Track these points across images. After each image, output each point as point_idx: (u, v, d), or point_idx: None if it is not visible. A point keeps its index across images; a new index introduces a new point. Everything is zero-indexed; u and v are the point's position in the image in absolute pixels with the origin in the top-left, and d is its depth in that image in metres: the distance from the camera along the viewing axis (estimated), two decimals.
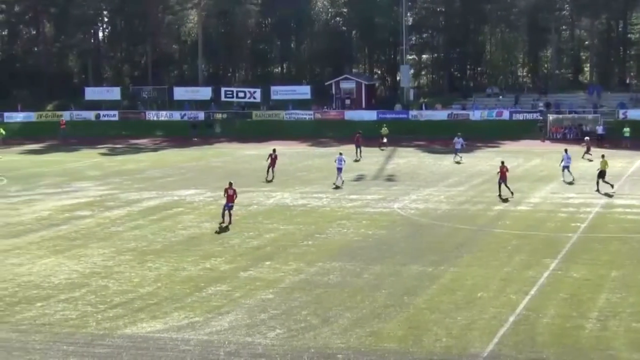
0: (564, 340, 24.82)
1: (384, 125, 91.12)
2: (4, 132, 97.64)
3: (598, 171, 55.22)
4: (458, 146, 73.93)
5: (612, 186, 53.94)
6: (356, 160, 73.04)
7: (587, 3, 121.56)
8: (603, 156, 57.48)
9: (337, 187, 57.62)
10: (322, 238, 40.51)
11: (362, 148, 76.79)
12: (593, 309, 27.73)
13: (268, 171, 62.18)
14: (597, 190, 53.94)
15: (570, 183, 57.56)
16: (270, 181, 60.81)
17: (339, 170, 59.35)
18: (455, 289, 30.56)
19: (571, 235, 40.00)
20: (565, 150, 59.90)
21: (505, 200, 51.17)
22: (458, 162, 71.26)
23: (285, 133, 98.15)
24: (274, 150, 63.47)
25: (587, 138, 72.15)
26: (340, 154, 60.98)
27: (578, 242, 38.46)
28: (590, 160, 67.77)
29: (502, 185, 52.49)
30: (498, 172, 53.07)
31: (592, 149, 72.47)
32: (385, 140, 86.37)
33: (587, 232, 40.81)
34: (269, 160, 62.29)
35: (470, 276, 32.33)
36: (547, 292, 29.93)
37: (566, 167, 59.00)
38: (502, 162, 54.04)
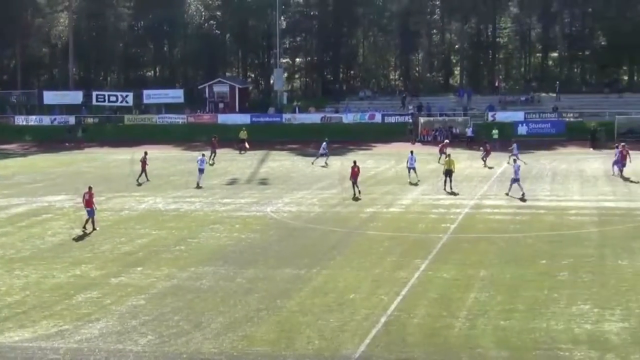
0: (434, 339, 25.15)
1: (243, 129, 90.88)
2: None
3: (444, 170, 56.87)
4: (322, 151, 74.18)
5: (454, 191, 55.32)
6: (211, 164, 72.18)
7: (456, 7, 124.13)
8: (449, 155, 59.43)
9: (199, 187, 58.56)
10: (194, 242, 40.21)
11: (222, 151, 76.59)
12: (462, 308, 28.17)
13: (140, 175, 61.82)
14: (444, 188, 55.75)
15: (415, 184, 58.54)
16: (141, 185, 60.30)
17: (201, 171, 60.40)
18: (328, 291, 30.67)
19: (441, 236, 40.61)
20: (411, 152, 61.26)
21: (356, 199, 52.52)
22: (323, 166, 71.54)
23: (158, 137, 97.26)
24: (146, 154, 63.17)
25: (487, 144, 73.04)
26: (203, 155, 62.77)
27: (448, 243, 39.06)
28: (490, 168, 68.68)
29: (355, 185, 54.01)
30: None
31: (462, 151, 73.71)
32: (247, 144, 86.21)
33: (457, 232, 41.49)
34: (141, 164, 62.07)
35: (342, 278, 32.50)
36: (418, 292, 30.30)
37: (411, 168, 60.15)
38: (355, 162, 55.44)
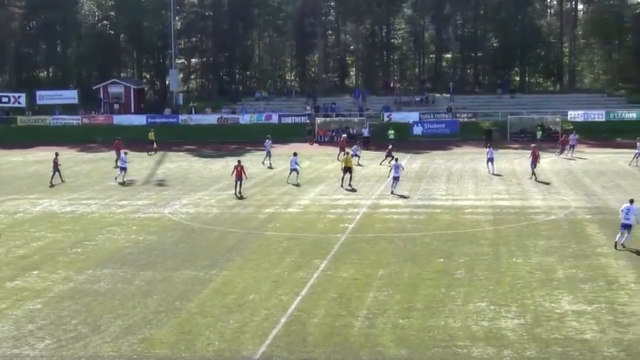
0: (334, 339, 25.26)
1: (151, 130, 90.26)
2: None
3: (342, 168, 57.96)
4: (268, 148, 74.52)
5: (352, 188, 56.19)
6: (115, 167, 71.32)
7: (351, 9, 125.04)
8: (347, 153, 60.47)
9: (123, 184, 60.46)
10: (91, 245, 39.66)
11: (133, 153, 75.64)
12: (361, 307, 28.35)
13: (53, 176, 61.64)
14: (342, 185, 56.93)
15: (297, 185, 58.93)
16: (53, 186, 59.86)
17: (123, 169, 62.33)
18: (227, 292, 30.58)
19: (340, 235, 40.81)
20: (294, 154, 61.82)
21: (241, 198, 53.27)
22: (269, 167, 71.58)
23: (52, 138, 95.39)
24: (57, 155, 63.27)
25: (390, 146, 73.74)
26: (126, 153, 64.41)
27: (346, 243, 39.26)
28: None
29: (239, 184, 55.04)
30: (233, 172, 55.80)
31: (360, 151, 74.17)
32: (155, 145, 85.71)
33: (355, 232, 41.73)
34: (53, 165, 61.90)
35: (241, 279, 32.44)
36: (317, 292, 30.40)
37: (293, 170, 60.73)
38: (239, 161, 56.32)
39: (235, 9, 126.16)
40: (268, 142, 74.41)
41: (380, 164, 70.60)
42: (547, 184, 58.42)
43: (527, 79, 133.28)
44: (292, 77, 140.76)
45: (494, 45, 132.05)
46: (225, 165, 72.52)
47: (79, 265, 35.28)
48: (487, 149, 68.20)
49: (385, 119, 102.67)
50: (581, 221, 43.97)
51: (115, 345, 24.83)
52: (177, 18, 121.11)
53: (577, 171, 65.55)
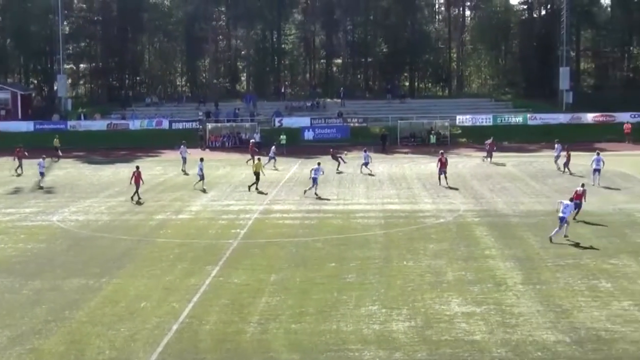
0: (226, 345, 25.21)
1: (56, 136, 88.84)
2: None
3: (254, 172, 58.68)
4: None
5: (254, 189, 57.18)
6: (18, 175, 70.07)
7: (242, 14, 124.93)
8: (259, 159, 60.63)
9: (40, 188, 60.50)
10: None
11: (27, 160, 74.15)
12: (254, 313, 28.35)
13: None
14: (252, 189, 58.04)
15: (203, 191, 58.77)
16: None
17: (41, 174, 63.48)
18: (118, 300, 30.26)
19: (231, 241, 40.71)
20: (201, 159, 61.51)
21: (138, 203, 53.09)
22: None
23: None
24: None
25: (331, 149, 74.02)
26: (43, 158, 65.28)
27: (238, 248, 39.18)
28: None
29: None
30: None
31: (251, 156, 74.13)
32: (59, 152, 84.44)
33: (247, 238, 41.68)
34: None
35: (133, 287, 32.12)
36: (209, 298, 30.29)
37: (199, 175, 60.31)
38: (137, 167, 56.29)
39: (125, 14, 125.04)
40: (183, 147, 73.21)
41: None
42: (456, 189, 58.85)
43: (416, 84, 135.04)
44: (183, 83, 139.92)
45: (384, 50, 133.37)
46: (115, 172, 71.79)
47: None
48: (364, 153, 69.69)
49: (277, 124, 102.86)
50: (470, 224, 44.70)
51: (2, 357, 24.36)
52: (64, 23, 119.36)
53: (465, 174, 66.54)
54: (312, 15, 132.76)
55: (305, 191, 55.64)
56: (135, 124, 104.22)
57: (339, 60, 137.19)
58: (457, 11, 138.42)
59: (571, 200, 41.27)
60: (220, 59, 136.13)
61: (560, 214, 39.17)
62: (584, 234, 41.09)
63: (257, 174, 58.54)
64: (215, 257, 36.93)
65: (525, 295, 30.07)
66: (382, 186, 60.61)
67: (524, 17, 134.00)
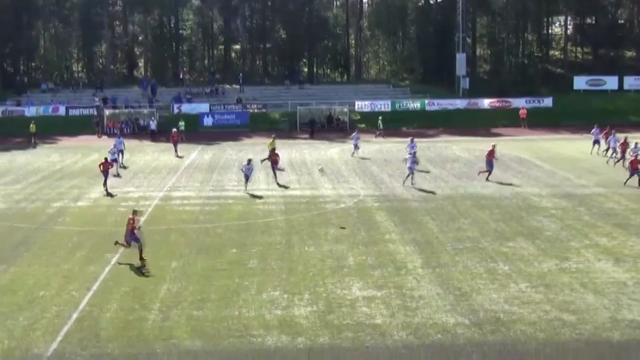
0: (128, 332, 25.03)
1: (33, 121, 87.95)
2: None
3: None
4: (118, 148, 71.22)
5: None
6: None
7: None
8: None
9: None
10: None
11: None
12: (155, 300, 28.20)
13: None
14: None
15: (117, 175, 58.35)
16: None
17: None
18: (16, 289, 29.77)
19: None
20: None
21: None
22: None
23: None
24: None
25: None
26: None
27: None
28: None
29: None
30: None
31: (148, 143, 73.58)
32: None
33: (147, 224, 41.15)
34: None
35: (31, 275, 31.64)
36: (110, 286, 30.01)
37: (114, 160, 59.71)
38: (106, 159, 55.16)
39: None
40: (119, 139, 70.62)
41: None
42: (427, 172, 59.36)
43: (315, 70, 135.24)
44: (80, 69, 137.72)
45: (282, 36, 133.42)
46: (10, 159, 70.48)
47: None
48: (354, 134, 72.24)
49: (175, 110, 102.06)
50: (370, 209, 45.10)
51: None
52: None
53: (365, 160, 67.06)
54: (210, 1, 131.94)
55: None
56: (31, 111, 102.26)
57: (238, 46, 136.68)
58: None
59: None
60: (117, 45, 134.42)
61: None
62: (482, 217, 41.87)
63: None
64: (114, 245, 36.55)
65: (425, 279, 30.48)
66: (283, 172, 60.58)
67: (421, 4, 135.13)
